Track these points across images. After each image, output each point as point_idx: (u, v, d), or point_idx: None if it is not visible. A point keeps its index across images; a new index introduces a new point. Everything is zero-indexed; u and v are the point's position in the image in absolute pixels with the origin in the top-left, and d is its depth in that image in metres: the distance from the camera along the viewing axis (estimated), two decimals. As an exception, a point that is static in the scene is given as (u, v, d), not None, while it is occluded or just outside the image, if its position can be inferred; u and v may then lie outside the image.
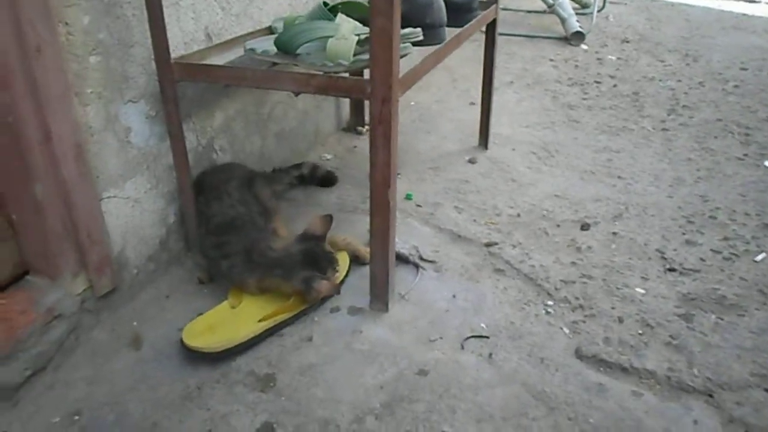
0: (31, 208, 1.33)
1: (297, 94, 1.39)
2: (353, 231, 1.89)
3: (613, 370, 1.38)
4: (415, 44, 1.59)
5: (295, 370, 1.36)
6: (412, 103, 2.94)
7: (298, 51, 1.49)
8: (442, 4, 1.80)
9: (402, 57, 1.40)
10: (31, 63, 1.21)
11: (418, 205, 2.02)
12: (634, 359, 1.40)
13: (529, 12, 4.87)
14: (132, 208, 1.53)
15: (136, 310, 1.55)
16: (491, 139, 2.49)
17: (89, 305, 1.47)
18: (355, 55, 1.40)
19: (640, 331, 1.49)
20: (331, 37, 1.43)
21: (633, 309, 1.56)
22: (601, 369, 1.38)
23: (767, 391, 1.33)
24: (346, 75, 1.46)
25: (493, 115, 2.42)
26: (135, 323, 1.51)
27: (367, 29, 1.51)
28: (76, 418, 1.26)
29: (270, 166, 2.08)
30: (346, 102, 2.68)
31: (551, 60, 3.75)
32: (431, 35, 1.70)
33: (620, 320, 1.52)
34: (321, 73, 1.36)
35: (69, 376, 1.37)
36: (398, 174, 2.23)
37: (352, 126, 2.67)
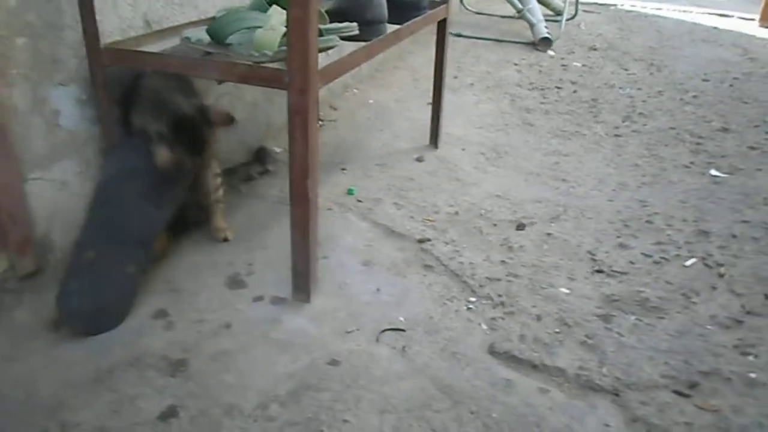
0: (-52, 186, 1.34)
1: (220, 82, 1.41)
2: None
3: (523, 366, 1.40)
4: (351, 39, 1.61)
5: (208, 357, 1.37)
6: (371, 101, 2.96)
7: (229, 41, 1.50)
8: (384, 1, 1.81)
9: (327, 49, 1.42)
10: (-50, 41, 1.22)
11: (359, 201, 2.04)
12: (545, 357, 1.42)
13: (503, 17, 4.91)
14: (59, 191, 1.53)
15: (60, 293, 1.55)
16: (443, 138, 2.51)
17: (10, 285, 1.47)
18: (282, 46, 1.42)
19: (557, 330, 1.51)
20: (261, 27, 1.45)
21: (554, 308, 1.58)
22: (512, 365, 1.41)
23: (675, 393, 1.35)
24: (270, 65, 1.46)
25: (448, 115, 2.44)
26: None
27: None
28: (-14, 395, 1.27)
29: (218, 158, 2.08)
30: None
31: (515, 64, 3.78)
32: (370, 31, 1.72)
33: (539, 318, 1.55)
34: (243, 62, 1.37)
35: (-14, 354, 1.37)
36: (344, 169, 2.27)
37: (307, 120, 2.68)
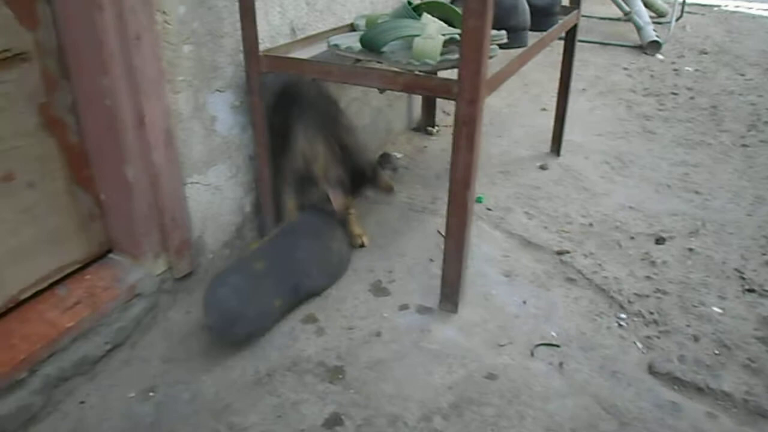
0: (120, 190, 1.38)
1: (382, 91, 1.40)
2: (423, 230, 1.89)
3: (687, 389, 1.35)
4: (500, 47, 1.58)
5: (363, 365, 1.37)
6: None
7: (383, 49, 1.50)
8: (527, 7, 1.78)
9: (489, 59, 1.39)
10: (131, 49, 1.25)
11: (489, 209, 2.01)
12: (709, 380, 1.36)
13: (602, 19, 4.78)
14: (212, 194, 1.56)
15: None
16: (563, 146, 2.46)
17: (167, 286, 1.51)
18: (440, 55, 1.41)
19: (716, 351, 1.45)
20: (417, 36, 1.44)
21: (709, 328, 1.52)
22: (675, 387, 1.35)
23: None
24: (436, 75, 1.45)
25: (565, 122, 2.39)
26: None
27: (452, 30, 1.52)
28: (151, 394, 1.30)
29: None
30: (417, 101, 2.68)
31: (625, 68, 3.67)
32: (515, 38, 1.69)
33: (696, 339, 1.48)
34: (407, 71, 1.36)
35: (145, 353, 1.42)
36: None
37: (422, 126, 2.67)
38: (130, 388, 1.32)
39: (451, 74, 1.31)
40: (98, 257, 1.49)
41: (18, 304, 1.32)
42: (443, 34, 1.44)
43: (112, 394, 1.31)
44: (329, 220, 1.66)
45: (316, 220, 1.66)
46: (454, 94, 1.27)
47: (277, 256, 1.52)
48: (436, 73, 1.65)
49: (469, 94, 1.26)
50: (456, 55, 1.42)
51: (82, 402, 1.28)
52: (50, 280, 1.38)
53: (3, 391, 1.16)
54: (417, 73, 1.36)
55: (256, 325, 1.43)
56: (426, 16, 1.54)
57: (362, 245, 1.80)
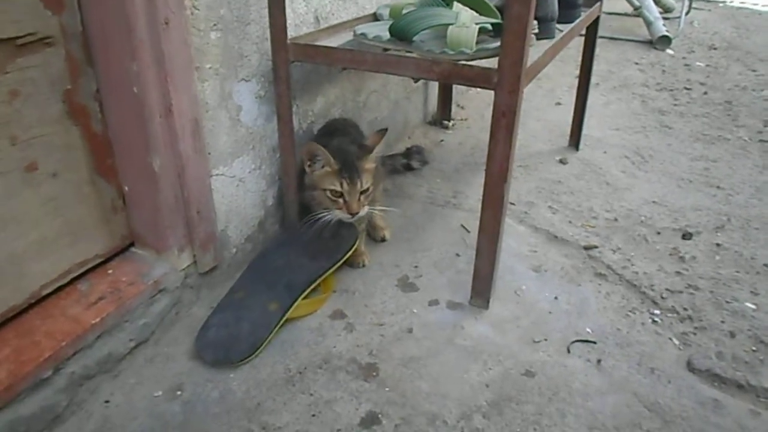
0: (145, 181, 1.33)
1: (416, 80, 1.36)
2: (446, 225, 1.86)
3: (728, 386, 1.32)
4: (529, 37, 1.54)
5: (397, 362, 1.34)
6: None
7: (414, 38, 1.46)
8: (555, -3, 1.74)
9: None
10: (159, 35, 1.21)
11: (512, 203, 1.97)
12: (749, 376, 1.33)
13: (610, 14, 4.75)
14: (237, 187, 1.52)
15: (234, 290, 1.54)
16: (581, 140, 2.42)
17: (191, 281, 1.47)
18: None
19: (754, 348, 1.42)
20: (450, 25, 1.40)
21: (744, 324, 1.49)
22: (716, 384, 1.32)
23: None
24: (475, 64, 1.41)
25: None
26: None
27: (484, 18, 1.48)
28: (179, 393, 1.26)
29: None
30: (433, 95, 2.65)
31: (636, 63, 3.64)
32: (543, 29, 1.66)
33: (732, 335, 1.45)
34: (445, 61, 1.32)
35: (170, 350, 1.37)
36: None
37: (438, 120, 2.64)
38: (156, 386, 1.28)
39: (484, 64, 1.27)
40: (120, 251, 1.44)
41: (39, 300, 1.27)
42: (476, 23, 1.40)
43: (137, 393, 1.26)
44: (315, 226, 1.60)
45: (289, 233, 1.64)
46: (494, 83, 1.24)
47: (254, 278, 1.49)
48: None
49: (509, 83, 1.22)
50: (491, 45, 1.38)
51: (106, 401, 1.24)
52: (72, 275, 1.33)
53: (28, 391, 1.12)
54: (457, 61, 1.31)
55: (255, 337, 1.36)
56: (457, 5, 1.50)
57: (384, 239, 1.76)
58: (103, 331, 1.26)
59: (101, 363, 1.27)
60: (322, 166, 1.48)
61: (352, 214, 1.46)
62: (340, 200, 1.47)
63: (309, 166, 1.50)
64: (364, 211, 1.49)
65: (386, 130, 1.58)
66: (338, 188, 1.45)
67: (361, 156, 1.50)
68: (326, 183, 1.47)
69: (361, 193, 1.47)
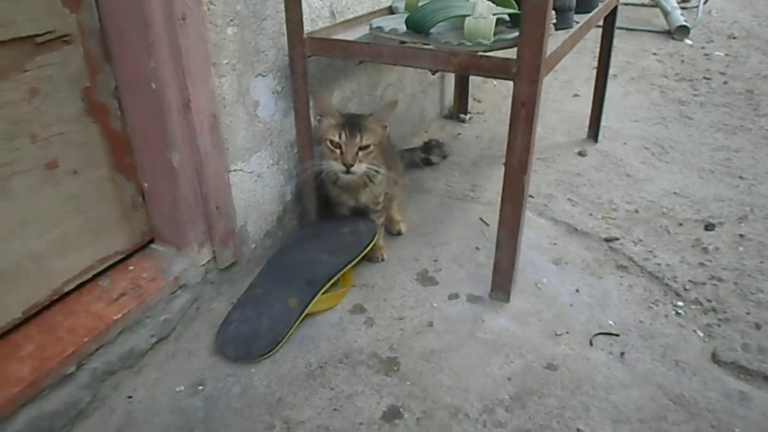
0: (165, 177, 1.34)
1: (434, 72, 1.35)
2: (465, 218, 1.85)
3: (755, 378, 1.30)
4: (547, 27, 1.52)
5: (417, 355, 1.33)
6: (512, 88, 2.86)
7: (430, 30, 1.45)
8: (572, -13, 1.72)
9: (546, 37, 1.34)
10: (177, 31, 1.20)
11: (531, 196, 1.96)
12: (776, 369, 1.31)
13: (627, 4, 4.70)
14: (255, 182, 1.52)
15: (254, 285, 1.54)
16: (600, 132, 2.40)
17: (211, 277, 1.47)
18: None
19: (780, 339, 1.40)
20: (467, 16, 1.38)
21: (770, 315, 1.47)
22: (741, 376, 1.30)
23: None
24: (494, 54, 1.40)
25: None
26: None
27: (500, 9, 1.46)
28: (201, 388, 1.27)
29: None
30: (450, 88, 2.63)
31: (654, 54, 3.60)
32: (561, 19, 1.64)
33: (757, 326, 1.43)
34: (464, 52, 1.31)
35: (191, 345, 1.38)
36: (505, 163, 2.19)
37: (455, 113, 2.62)
38: (178, 381, 1.28)
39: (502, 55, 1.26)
40: (140, 247, 1.45)
41: (61, 297, 1.28)
42: (493, 14, 1.39)
43: (159, 388, 1.27)
44: (334, 220, 1.65)
45: (308, 229, 1.65)
46: (513, 74, 1.22)
47: (273, 274, 1.49)
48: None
49: (529, 73, 1.21)
50: (509, 35, 1.37)
51: (129, 397, 1.25)
52: (94, 271, 1.34)
53: (51, 387, 1.12)
54: (475, 53, 1.30)
55: (275, 332, 1.36)
56: (473, -5, 1.49)
57: (399, 232, 1.76)
58: (125, 327, 1.26)
59: (123, 359, 1.27)
60: (328, 119, 1.49)
61: (346, 166, 1.45)
62: (338, 151, 1.46)
63: (318, 120, 1.52)
64: (361, 168, 1.47)
65: (396, 101, 1.59)
66: (336, 139, 1.45)
67: (366, 116, 1.51)
68: (328, 134, 1.47)
69: (360, 149, 1.46)
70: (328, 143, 1.47)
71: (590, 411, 1.20)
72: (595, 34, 2.33)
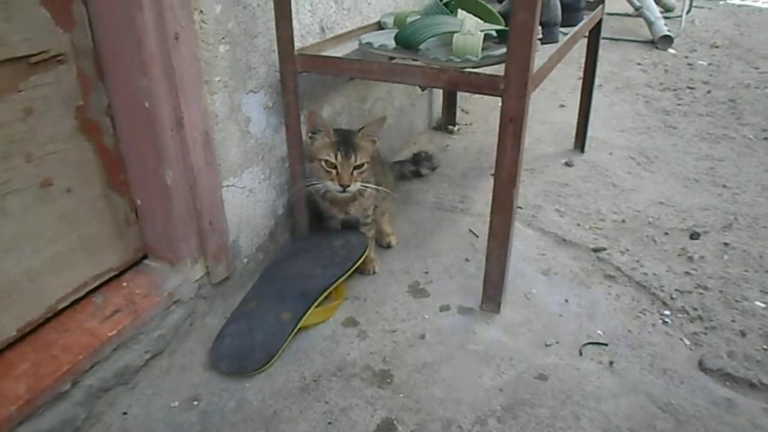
0: (158, 194, 1.35)
1: (423, 89, 1.38)
2: (455, 230, 1.87)
3: (741, 385, 1.32)
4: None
5: (410, 368, 1.35)
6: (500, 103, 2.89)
7: (419, 47, 1.47)
8: (558, 2, 1.75)
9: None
10: (170, 50, 1.22)
11: (519, 207, 1.99)
12: (762, 375, 1.34)
13: (611, 15, 4.76)
14: (247, 198, 1.54)
15: (246, 299, 1.56)
16: (586, 142, 2.43)
17: (204, 292, 1.48)
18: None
19: (765, 347, 1.42)
20: (455, 32, 1.41)
21: (755, 323, 1.49)
22: (728, 383, 1.33)
23: None
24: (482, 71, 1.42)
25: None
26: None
27: (488, 25, 1.49)
28: (195, 403, 1.27)
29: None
30: (438, 101, 2.66)
31: (639, 63, 3.66)
32: (547, 34, 1.67)
33: (743, 334, 1.46)
34: (452, 69, 1.33)
35: (185, 360, 1.38)
36: (493, 174, 2.22)
37: (443, 125, 2.65)
38: (173, 397, 1.29)
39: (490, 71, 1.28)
40: (134, 264, 1.46)
41: (56, 314, 1.29)
42: (481, 30, 1.41)
43: (154, 404, 1.27)
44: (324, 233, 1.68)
45: (300, 243, 1.67)
46: (501, 90, 1.25)
47: (266, 288, 1.50)
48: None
49: (516, 90, 1.23)
50: (497, 51, 1.39)
51: (124, 413, 1.25)
52: (88, 288, 1.34)
53: (47, 405, 1.13)
54: (464, 69, 1.32)
55: (269, 346, 1.37)
56: (462, 12, 1.51)
57: (390, 245, 1.78)
58: (120, 344, 1.27)
59: (118, 375, 1.28)
60: (322, 138, 1.51)
61: (343, 186, 1.47)
62: (333, 171, 1.48)
63: (311, 137, 1.53)
64: (356, 186, 1.50)
65: (385, 117, 1.60)
66: (332, 159, 1.47)
67: (357, 132, 1.53)
68: (322, 153, 1.49)
69: (355, 168, 1.49)
70: (323, 163, 1.49)
71: (581, 420, 1.22)
72: (581, 45, 2.36)
